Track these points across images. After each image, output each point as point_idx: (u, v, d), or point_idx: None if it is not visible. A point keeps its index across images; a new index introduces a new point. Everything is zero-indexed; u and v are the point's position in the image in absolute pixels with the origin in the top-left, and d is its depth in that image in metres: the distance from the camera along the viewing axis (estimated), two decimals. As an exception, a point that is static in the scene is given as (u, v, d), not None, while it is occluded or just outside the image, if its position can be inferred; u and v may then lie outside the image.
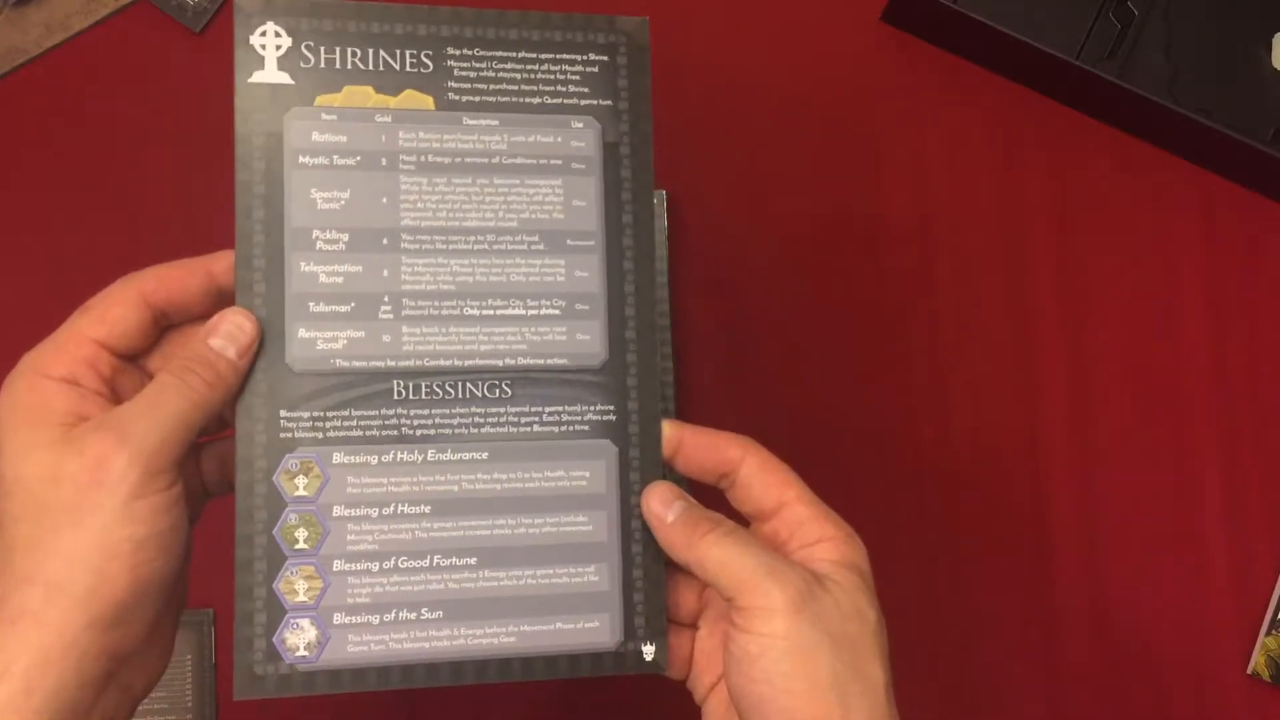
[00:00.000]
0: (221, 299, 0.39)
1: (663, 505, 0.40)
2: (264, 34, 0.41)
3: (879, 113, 0.64)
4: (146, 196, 0.62)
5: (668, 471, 0.42)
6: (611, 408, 0.42)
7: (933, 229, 0.64)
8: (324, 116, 0.41)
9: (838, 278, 0.63)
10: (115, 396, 0.37)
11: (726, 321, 0.62)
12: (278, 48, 0.41)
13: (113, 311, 0.37)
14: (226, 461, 0.40)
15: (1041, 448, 0.63)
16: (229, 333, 0.37)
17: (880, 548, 0.63)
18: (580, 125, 0.42)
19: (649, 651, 0.41)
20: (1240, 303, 0.64)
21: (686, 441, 0.41)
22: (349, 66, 0.41)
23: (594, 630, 0.41)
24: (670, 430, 0.41)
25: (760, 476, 0.40)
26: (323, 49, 0.41)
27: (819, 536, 0.39)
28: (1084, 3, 0.61)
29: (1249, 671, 0.61)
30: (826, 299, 0.63)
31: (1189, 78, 0.61)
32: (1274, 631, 0.61)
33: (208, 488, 0.41)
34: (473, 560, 0.40)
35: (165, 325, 0.39)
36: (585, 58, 0.43)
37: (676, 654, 0.42)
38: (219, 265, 0.39)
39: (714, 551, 0.38)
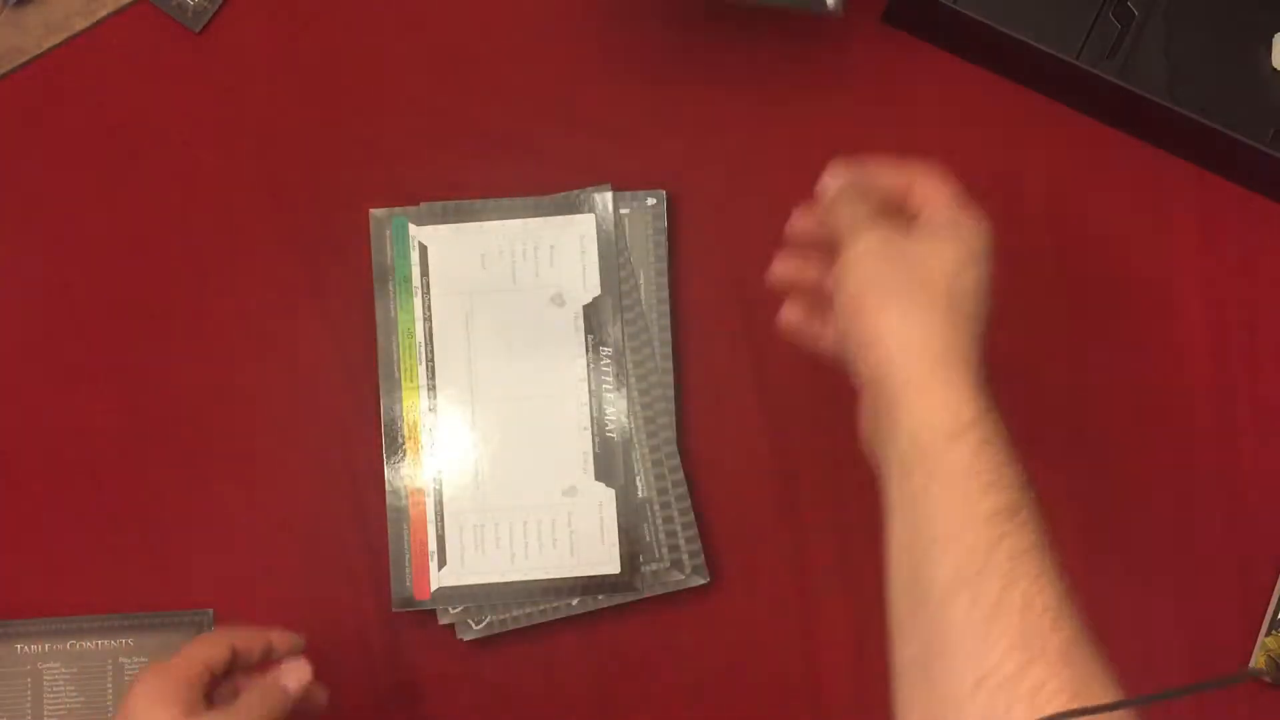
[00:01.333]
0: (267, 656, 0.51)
1: (832, 178, 0.51)
2: None
3: (879, 113, 0.64)
4: (146, 196, 0.62)
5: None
6: None
7: (933, 229, 0.63)
8: None
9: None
10: (209, 702, 0.49)
11: (726, 321, 0.62)
12: None
13: (216, 650, 0.49)
14: None
15: (1039, 447, 0.63)
16: (293, 674, 0.51)
17: (869, 541, 0.63)
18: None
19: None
20: (1240, 303, 0.64)
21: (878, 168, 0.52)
22: None
23: None
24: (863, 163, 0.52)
25: (922, 179, 0.50)
26: None
27: (944, 206, 0.49)
28: (1084, 3, 0.61)
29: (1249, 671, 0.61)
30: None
31: (1189, 78, 0.61)
32: (1274, 631, 0.61)
33: None
34: None
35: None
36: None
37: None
38: (278, 638, 0.52)
39: (837, 211, 0.49)
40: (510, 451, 0.60)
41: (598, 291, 0.61)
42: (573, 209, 0.61)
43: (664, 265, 0.61)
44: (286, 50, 0.63)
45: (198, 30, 0.63)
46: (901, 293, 0.45)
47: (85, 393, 0.62)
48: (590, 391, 0.60)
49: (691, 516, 0.60)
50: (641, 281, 0.61)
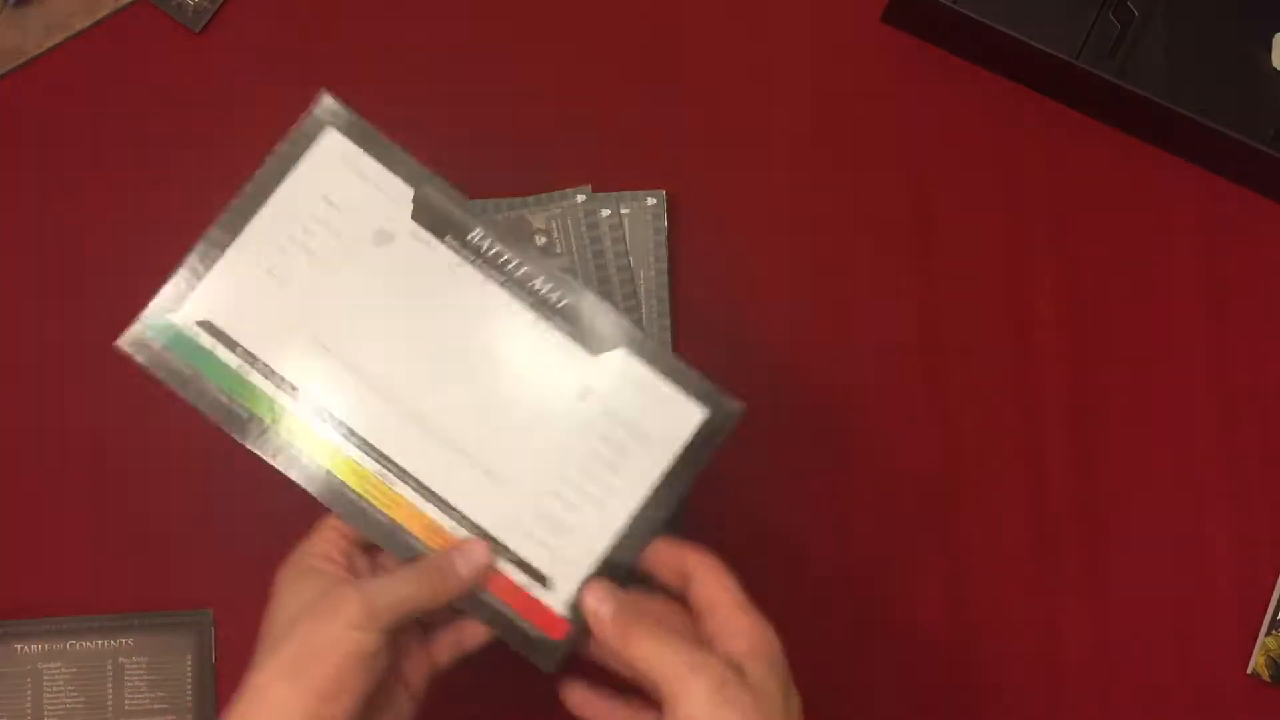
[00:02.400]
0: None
1: (597, 601, 0.45)
2: None
3: (879, 113, 0.64)
4: (146, 196, 0.62)
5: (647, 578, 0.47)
6: None
7: (932, 228, 0.64)
8: None
9: (837, 276, 0.63)
10: (352, 569, 0.47)
11: (726, 320, 0.62)
12: None
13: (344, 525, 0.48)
14: (454, 649, 0.49)
15: (1041, 447, 0.63)
16: (471, 556, 0.47)
17: (876, 545, 0.63)
18: None
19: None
20: (1240, 303, 0.64)
21: (655, 547, 0.47)
22: None
23: None
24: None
25: (704, 576, 0.45)
26: None
27: (737, 630, 0.44)
28: (1084, 3, 0.61)
29: (1249, 671, 0.61)
30: (826, 297, 0.63)
31: (1189, 78, 0.61)
32: (1274, 631, 0.61)
33: (437, 667, 0.49)
34: None
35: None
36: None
37: None
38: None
39: (646, 647, 0.43)
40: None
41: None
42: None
43: (664, 265, 0.61)
44: (286, 50, 0.63)
45: (198, 30, 0.63)
46: None
47: (84, 393, 0.62)
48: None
49: (682, 523, 0.59)
50: (641, 281, 0.61)
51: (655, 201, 0.61)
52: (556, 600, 0.47)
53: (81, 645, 0.60)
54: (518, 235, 0.49)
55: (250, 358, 0.47)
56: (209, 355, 0.47)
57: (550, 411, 0.48)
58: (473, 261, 0.48)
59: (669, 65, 0.64)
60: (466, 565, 0.47)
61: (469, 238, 0.48)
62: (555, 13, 0.64)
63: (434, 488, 0.47)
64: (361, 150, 0.48)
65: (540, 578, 0.48)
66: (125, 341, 0.47)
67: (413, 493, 0.47)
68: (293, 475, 0.47)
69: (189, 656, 0.59)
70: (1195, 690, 0.61)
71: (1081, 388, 0.63)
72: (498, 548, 0.47)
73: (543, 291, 0.48)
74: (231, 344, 0.47)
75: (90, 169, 0.62)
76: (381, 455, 0.47)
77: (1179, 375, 0.63)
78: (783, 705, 0.43)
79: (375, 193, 0.48)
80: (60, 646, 0.59)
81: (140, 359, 0.47)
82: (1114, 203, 0.64)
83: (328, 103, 0.49)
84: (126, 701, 0.59)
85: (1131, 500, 0.62)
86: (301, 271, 0.48)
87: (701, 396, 0.48)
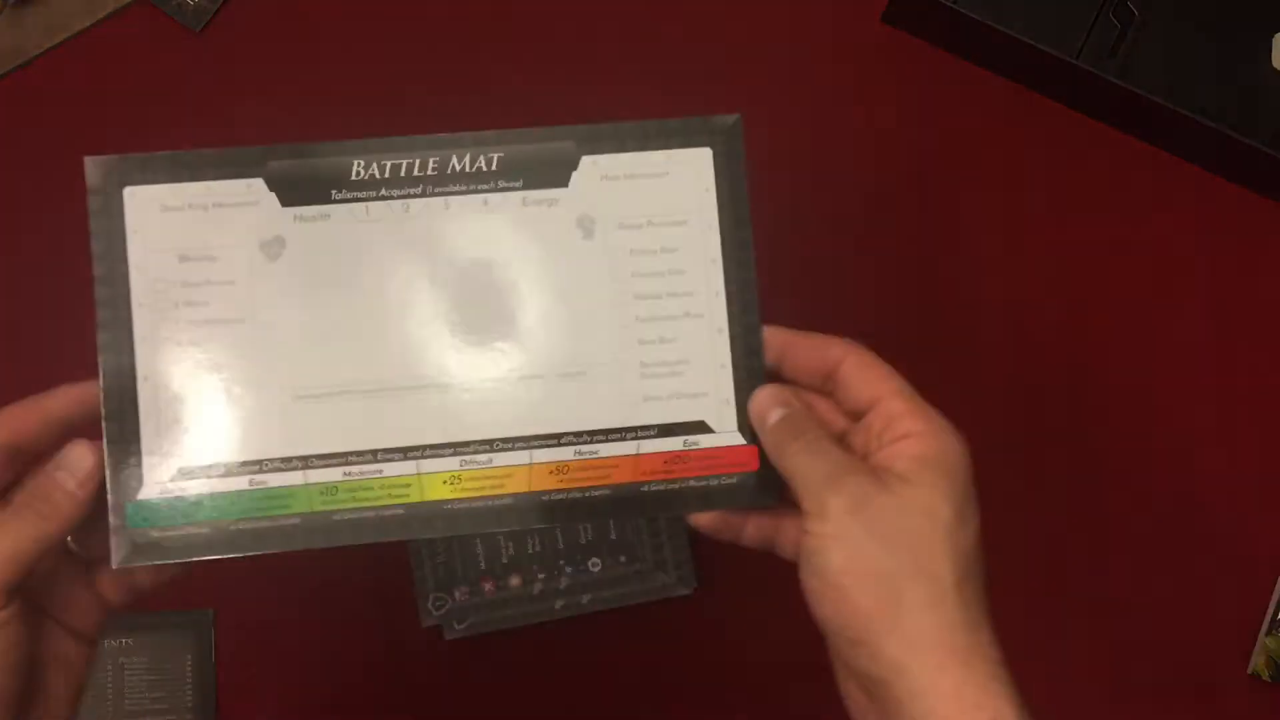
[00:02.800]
0: (70, 435, 0.39)
1: (765, 408, 0.40)
2: None
3: (879, 113, 0.64)
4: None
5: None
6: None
7: (932, 228, 0.64)
8: None
9: (837, 276, 0.63)
10: None
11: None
12: None
13: None
14: (127, 581, 0.41)
15: (1041, 447, 0.63)
16: (69, 465, 0.38)
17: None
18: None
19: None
20: (1240, 303, 0.64)
21: (791, 345, 0.41)
22: None
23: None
24: (774, 336, 0.42)
25: (859, 373, 0.40)
26: None
27: (906, 431, 0.38)
28: (1084, 3, 0.61)
29: (1249, 671, 0.61)
30: (826, 297, 0.63)
31: (1189, 78, 0.61)
32: (1274, 631, 0.61)
33: (110, 603, 0.41)
34: None
35: (22, 463, 0.39)
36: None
37: (789, 537, 0.42)
38: (55, 402, 0.39)
39: (794, 460, 0.39)
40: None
41: None
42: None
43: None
44: (286, 50, 0.63)
45: (198, 30, 0.63)
46: (899, 583, 0.36)
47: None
48: None
49: (684, 524, 0.59)
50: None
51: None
52: (728, 435, 0.42)
53: (81, 645, 0.60)
54: (404, 144, 0.41)
55: (253, 466, 0.40)
56: (213, 499, 0.40)
57: (572, 272, 0.41)
58: (374, 198, 0.41)
59: (667, 64, 0.64)
60: (70, 474, 0.38)
61: (353, 177, 0.41)
62: (553, 11, 0.64)
63: (526, 432, 0.41)
64: (170, 183, 0.40)
65: (695, 427, 0.42)
66: (121, 560, 0.39)
67: (510, 454, 0.41)
68: (391, 537, 0.40)
69: (189, 656, 0.59)
70: (1195, 690, 0.61)
71: (1081, 387, 0.63)
72: (635, 433, 0.41)
73: (465, 168, 0.41)
74: (224, 470, 0.40)
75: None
76: (455, 445, 0.41)
77: (1179, 375, 0.63)
78: (949, 529, 0.37)
79: (222, 212, 0.40)
80: (60, 646, 0.59)
81: (151, 561, 0.39)
82: (1114, 203, 0.64)
83: (95, 167, 0.41)
84: (126, 701, 0.59)
85: (1131, 500, 0.62)
86: (224, 343, 0.40)
87: (690, 136, 0.42)
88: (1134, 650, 0.62)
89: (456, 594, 0.59)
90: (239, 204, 0.40)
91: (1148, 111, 0.61)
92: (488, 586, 0.59)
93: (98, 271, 0.40)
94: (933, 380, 0.63)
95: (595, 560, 0.59)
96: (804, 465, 0.38)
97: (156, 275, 0.40)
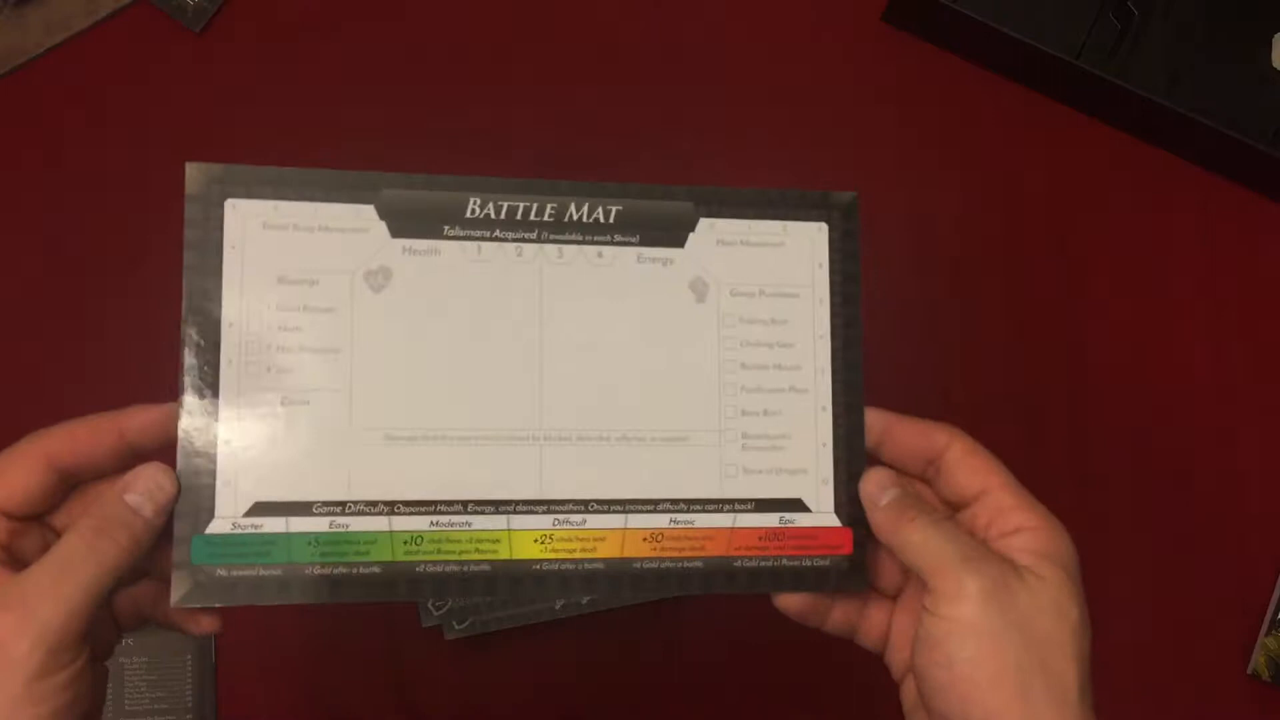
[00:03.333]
0: (134, 458, 0.37)
1: (878, 489, 0.39)
2: None
3: (879, 112, 0.64)
4: (147, 197, 0.62)
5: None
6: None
7: (932, 228, 0.64)
8: None
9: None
10: (14, 560, 0.35)
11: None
12: None
13: (13, 476, 0.35)
14: (140, 602, 0.39)
15: (1041, 447, 0.63)
16: (147, 489, 0.36)
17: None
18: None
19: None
20: (1240, 303, 0.64)
21: (893, 429, 0.41)
22: None
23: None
24: (875, 418, 0.41)
25: (965, 462, 0.39)
26: None
27: (1019, 525, 0.38)
28: (1084, 3, 0.61)
29: (1249, 671, 0.61)
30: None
31: (1189, 78, 0.61)
32: (1274, 631, 0.61)
33: (121, 625, 0.39)
34: None
35: (73, 484, 0.37)
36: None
37: (874, 624, 0.41)
38: (131, 423, 0.37)
39: (915, 536, 0.37)
40: None
41: None
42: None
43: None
44: (286, 50, 0.63)
45: (198, 30, 0.63)
46: (1030, 682, 0.35)
47: (87, 390, 0.62)
48: None
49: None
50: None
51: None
52: (824, 515, 0.41)
53: (81, 645, 0.59)
54: (521, 186, 0.40)
55: (335, 507, 0.37)
56: (288, 540, 0.37)
57: (681, 335, 0.40)
58: (487, 238, 0.39)
59: (668, 65, 0.64)
60: (149, 500, 0.35)
61: (469, 214, 0.39)
62: (555, 14, 0.64)
63: (623, 495, 0.39)
64: (275, 200, 0.38)
65: (792, 505, 0.40)
66: (180, 599, 0.36)
67: (605, 517, 0.39)
68: (475, 595, 0.39)
69: (189, 656, 0.59)
70: (1195, 690, 0.61)
71: (1080, 387, 0.63)
72: (733, 505, 0.40)
73: (583, 218, 0.40)
74: (304, 508, 0.37)
75: (90, 169, 0.62)
76: (549, 503, 0.39)
77: (1179, 374, 0.63)
78: (1076, 630, 0.36)
79: (329, 236, 0.38)
80: (60, 646, 0.59)
81: (213, 602, 0.36)
82: (1114, 203, 0.64)
83: (198, 174, 0.38)
84: (126, 701, 0.59)
85: (1131, 499, 0.62)
86: (316, 373, 0.38)
87: (807, 209, 0.42)
88: (1134, 650, 0.62)
89: (456, 594, 0.59)
90: (347, 230, 0.38)
91: (1148, 111, 0.61)
92: (488, 586, 0.59)
93: (188, 285, 0.37)
94: (932, 375, 0.63)
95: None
96: (935, 543, 0.37)
97: (251, 295, 0.38)
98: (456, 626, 0.59)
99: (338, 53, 0.63)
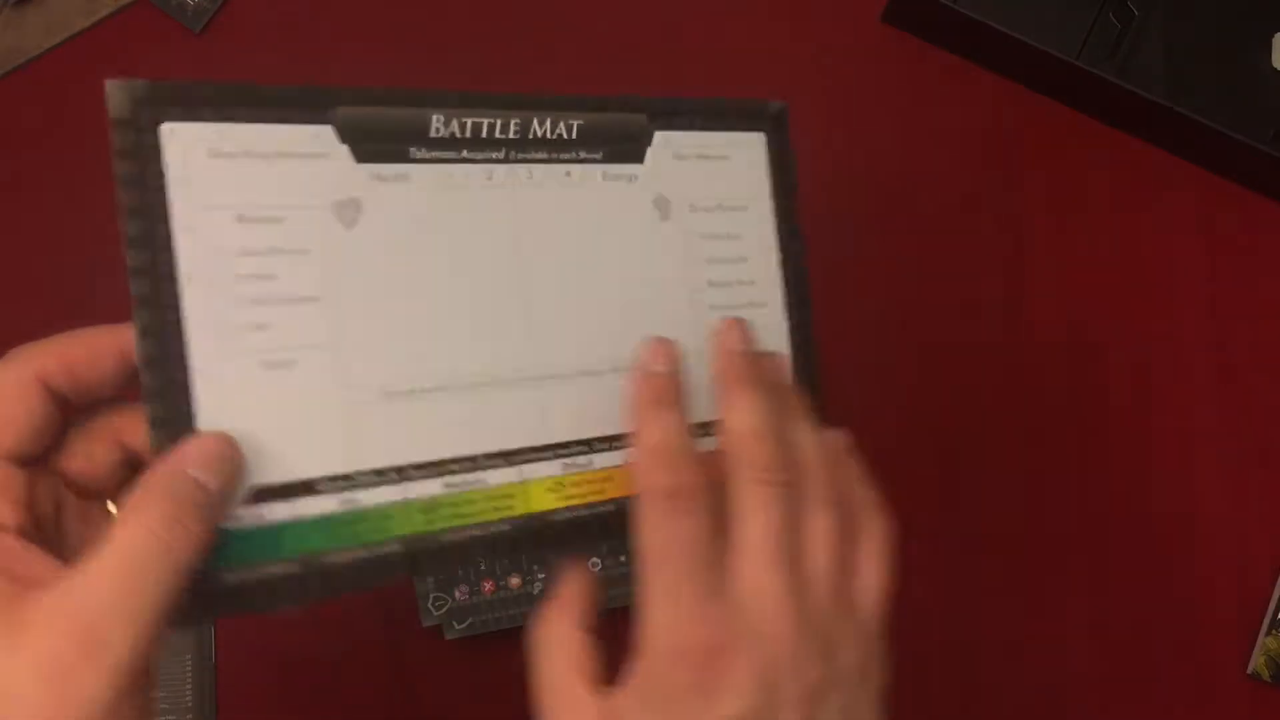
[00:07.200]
0: (133, 387, 0.30)
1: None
2: None
3: (879, 113, 0.64)
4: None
5: None
6: None
7: (932, 229, 0.64)
8: None
9: (836, 276, 0.63)
10: (40, 529, 0.29)
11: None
12: None
13: (7, 406, 0.29)
14: None
15: (1041, 447, 0.63)
16: (210, 460, 0.28)
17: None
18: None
19: None
20: (1240, 303, 0.64)
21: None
22: None
23: None
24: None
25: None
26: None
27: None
28: (1084, 3, 0.61)
29: (1249, 671, 0.61)
30: (825, 297, 0.63)
31: (1189, 78, 0.61)
32: (1274, 631, 0.61)
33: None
34: None
35: (68, 416, 0.31)
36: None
37: None
38: (132, 341, 0.29)
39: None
40: None
41: None
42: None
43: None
44: (286, 50, 0.63)
45: (198, 30, 0.63)
46: None
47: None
48: None
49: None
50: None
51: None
52: None
53: (81, 645, 0.59)
54: (482, 100, 0.36)
55: (343, 482, 0.32)
56: (298, 527, 0.31)
57: (653, 256, 0.38)
58: (455, 159, 0.35)
59: (667, 65, 0.64)
60: (216, 474, 0.28)
61: (433, 133, 0.35)
62: (557, 18, 0.64)
63: (622, 429, 0.37)
64: (219, 122, 0.32)
65: None
66: (180, 618, 0.29)
67: (609, 455, 0.36)
68: (502, 557, 0.36)
69: (189, 656, 0.59)
70: (1195, 690, 0.61)
71: (1080, 387, 0.63)
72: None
73: (547, 134, 0.37)
74: (309, 488, 0.32)
75: (90, 169, 0.62)
76: (555, 447, 0.36)
77: (1179, 375, 0.63)
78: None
79: (287, 164, 0.32)
80: (60, 646, 0.59)
81: (221, 613, 0.31)
82: (1114, 203, 0.64)
83: (119, 93, 0.33)
84: (126, 701, 0.59)
85: (1131, 500, 0.62)
86: (297, 327, 0.32)
87: (748, 119, 0.41)
88: (1133, 650, 0.62)
89: (456, 594, 0.59)
90: (306, 155, 0.33)
91: (1148, 111, 0.61)
92: (488, 586, 0.59)
93: (129, 231, 0.30)
94: (932, 380, 0.63)
95: (595, 561, 0.59)
96: None
97: (210, 239, 0.31)
98: (456, 626, 0.59)
99: (338, 53, 0.63)
